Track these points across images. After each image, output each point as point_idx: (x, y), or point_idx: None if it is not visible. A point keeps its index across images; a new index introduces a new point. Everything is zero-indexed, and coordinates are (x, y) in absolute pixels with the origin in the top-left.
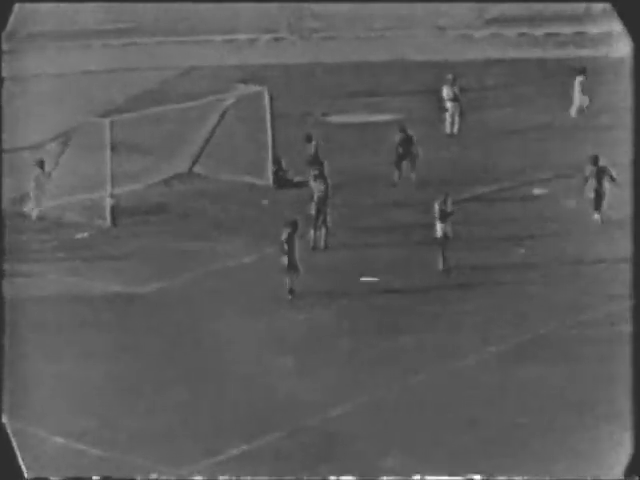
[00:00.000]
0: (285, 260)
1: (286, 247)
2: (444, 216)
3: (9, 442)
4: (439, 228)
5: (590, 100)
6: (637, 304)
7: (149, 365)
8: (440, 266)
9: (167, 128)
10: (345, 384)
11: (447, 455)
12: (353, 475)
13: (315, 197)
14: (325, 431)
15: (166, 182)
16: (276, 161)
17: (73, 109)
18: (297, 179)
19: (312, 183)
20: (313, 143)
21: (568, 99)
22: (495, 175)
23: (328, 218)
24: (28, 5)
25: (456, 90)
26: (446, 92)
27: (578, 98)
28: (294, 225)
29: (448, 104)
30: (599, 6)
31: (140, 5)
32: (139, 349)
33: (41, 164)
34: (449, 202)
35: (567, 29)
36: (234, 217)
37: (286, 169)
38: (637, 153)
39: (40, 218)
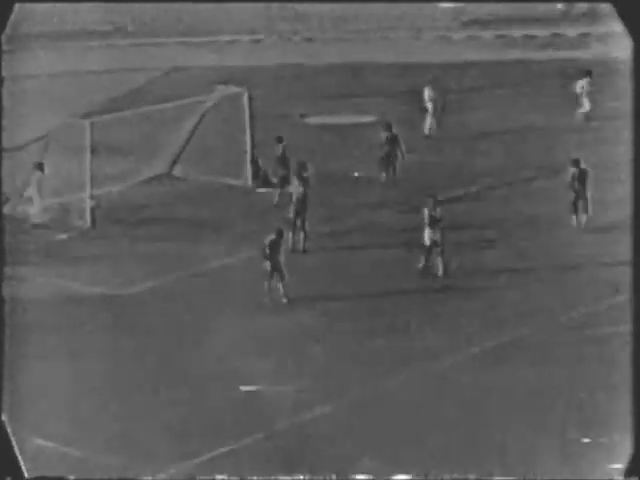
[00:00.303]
0: (267, 265)
1: (268, 252)
2: (433, 222)
3: (9, 442)
4: (427, 234)
5: (591, 104)
6: (637, 304)
7: (129, 367)
8: (433, 271)
9: (147, 129)
10: (325, 386)
11: (426, 457)
12: (330, 476)
13: (294, 199)
14: (304, 433)
15: (146, 183)
16: (255, 162)
17: (58, 110)
18: (275, 180)
19: (291, 185)
20: (282, 144)
21: (548, 100)
22: (475, 177)
23: (303, 221)
24: (28, 5)
25: (437, 92)
26: (427, 94)
27: (585, 100)
28: (279, 232)
29: (429, 106)
30: (578, 8)
31: (124, 6)
32: (120, 351)
33: (40, 166)
34: (438, 208)
35: (545, 31)
36: (214, 218)
37: (265, 170)
38: (637, 153)
39: (23, 220)
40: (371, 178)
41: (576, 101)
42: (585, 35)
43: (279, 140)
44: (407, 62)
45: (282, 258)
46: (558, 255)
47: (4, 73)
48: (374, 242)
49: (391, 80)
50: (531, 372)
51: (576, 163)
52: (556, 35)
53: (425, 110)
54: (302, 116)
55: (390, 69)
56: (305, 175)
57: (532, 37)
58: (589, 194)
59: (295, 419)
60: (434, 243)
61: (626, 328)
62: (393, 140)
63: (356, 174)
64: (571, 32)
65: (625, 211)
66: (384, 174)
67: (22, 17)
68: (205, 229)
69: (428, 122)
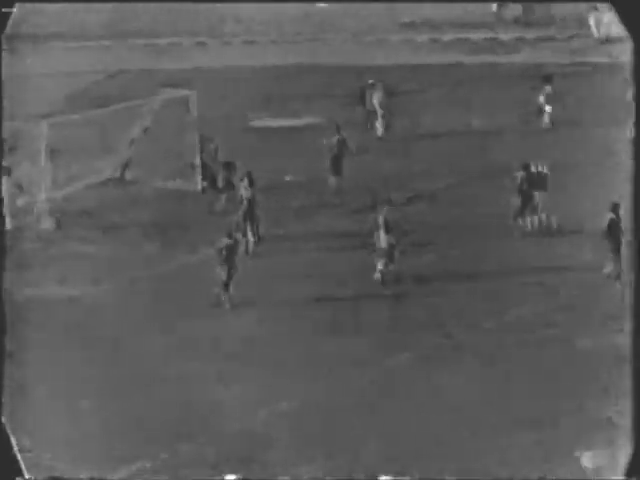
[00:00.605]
0: (222, 270)
1: (223, 256)
2: (389, 226)
3: (9, 442)
4: (383, 238)
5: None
6: (637, 305)
7: (77, 369)
8: (379, 276)
9: (98, 132)
10: (271, 389)
11: (373, 459)
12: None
13: (242, 202)
14: (249, 436)
15: (99, 187)
16: (204, 165)
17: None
18: (223, 184)
19: (239, 188)
20: (212, 146)
21: (483, 104)
22: (420, 179)
23: (252, 225)
24: (28, 5)
25: (384, 94)
26: (375, 96)
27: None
28: (232, 236)
29: (378, 108)
30: (511, 9)
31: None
32: (66, 352)
33: (7, 171)
34: (393, 212)
35: (479, 35)
36: (166, 221)
37: (214, 173)
38: (637, 153)
39: None
40: (318, 180)
41: (540, 107)
42: (519, 39)
43: (209, 141)
44: (348, 64)
45: (236, 262)
46: (502, 259)
47: (4, 72)
48: (323, 245)
49: (333, 82)
50: (470, 375)
51: (526, 167)
52: (489, 39)
53: (373, 113)
54: (247, 119)
55: (332, 71)
56: (252, 179)
57: (465, 40)
58: (538, 198)
59: (241, 422)
60: (390, 247)
61: (560, 331)
62: (341, 143)
63: (288, 178)
64: (505, 36)
65: (573, 214)
66: (333, 177)
67: (22, 17)
68: (157, 232)
69: (379, 124)
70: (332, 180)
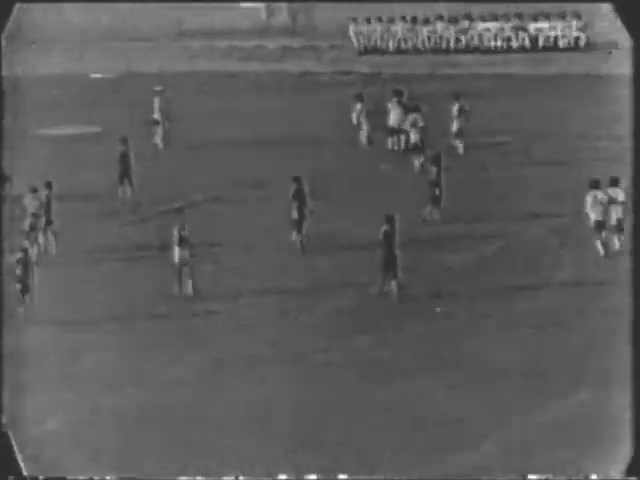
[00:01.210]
0: (17, 284)
1: (19, 269)
2: (182, 241)
3: (9, 442)
4: (177, 253)
5: (369, 127)
6: (637, 303)
7: None
8: (180, 291)
9: None
10: (60, 400)
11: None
12: None
13: (32, 213)
14: (43, 442)
15: None
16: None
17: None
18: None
19: (25, 199)
20: None
21: (257, 112)
22: (200, 190)
23: (44, 236)
24: (28, 5)
25: (165, 102)
26: (157, 104)
27: (364, 124)
28: (24, 250)
29: (158, 116)
30: (279, 20)
31: None
32: None
33: None
34: (187, 225)
35: (250, 43)
36: None
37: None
38: (636, 155)
39: None
40: (108, 190)
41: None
42: (285, 47)
43: None
44: (133, 71)
45: (31, 275)
46: (284, 273)
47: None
48: (116, 257)
49: (121, 90)
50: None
51: (297, 180)
52: (259, 47)
53: (155, 121)
54: (38, 127)
55: (117, 78)
56: (50, 188)
57: (237, 48)
58: (308, 211)
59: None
60: (183, 262)
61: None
62: (128, 152)
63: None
64: (273, 44)
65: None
66: (122, 187)
67: (22, 17)
68: None
69: (158, 133)
70: (121, 190)
